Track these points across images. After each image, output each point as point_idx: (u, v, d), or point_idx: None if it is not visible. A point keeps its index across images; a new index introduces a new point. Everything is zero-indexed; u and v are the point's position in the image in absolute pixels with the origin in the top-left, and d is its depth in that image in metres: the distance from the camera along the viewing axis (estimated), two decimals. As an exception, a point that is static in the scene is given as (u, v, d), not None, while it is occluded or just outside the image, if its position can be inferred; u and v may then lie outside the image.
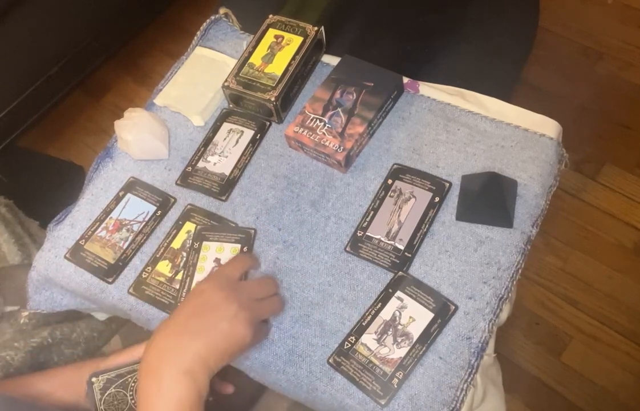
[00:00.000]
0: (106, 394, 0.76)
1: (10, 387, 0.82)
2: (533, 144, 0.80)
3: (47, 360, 0.93)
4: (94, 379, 0.76)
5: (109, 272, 0.83)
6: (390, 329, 0.71)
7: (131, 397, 0.77)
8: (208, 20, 1.04)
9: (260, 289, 0.73)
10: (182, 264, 0.81)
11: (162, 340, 0.65)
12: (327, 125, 0.84)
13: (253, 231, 0.77)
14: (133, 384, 0.78)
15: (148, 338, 0.90)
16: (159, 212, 0.87)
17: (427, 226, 0.77)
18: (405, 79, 0.89)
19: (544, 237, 1.42)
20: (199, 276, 0.78)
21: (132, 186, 0.90)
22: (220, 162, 0.89)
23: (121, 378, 0.77)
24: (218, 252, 0.79)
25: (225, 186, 0.87)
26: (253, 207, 0.84)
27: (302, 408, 0.77)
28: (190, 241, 0.82)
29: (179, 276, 0.80)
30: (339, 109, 0.85)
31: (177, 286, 0.80)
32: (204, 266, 0.78)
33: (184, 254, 0.82)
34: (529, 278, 1.38)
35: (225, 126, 0.93)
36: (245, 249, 0.78)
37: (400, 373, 0.68)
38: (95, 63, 1.85)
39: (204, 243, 0.80)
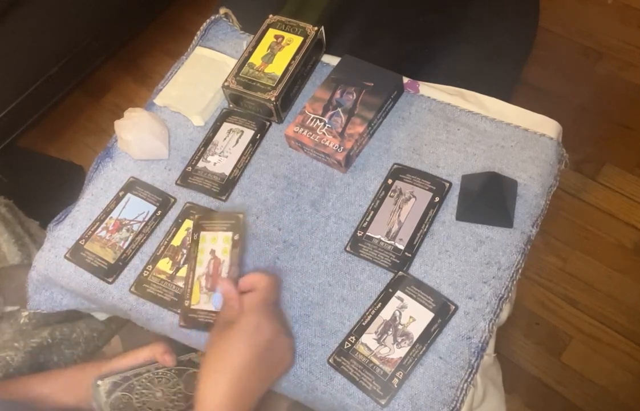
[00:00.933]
0: (112, 397, 0.75)
1: (10, 389, 0.81)
2: (533, 144, 0.80)
3: (47, 360, 0.93)
4: (99, 382, 0.75)
5: (109, 272, 0.83)
6: (391, 329, 0.71)
7: (137, 400, 0.77)
8: (208, 20, 1.04)
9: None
10: (182, 260, 0.81)
11: (223, 387, 0.64)
12: (327, 125, 0.84)
13: (241, 214, 0.73)
14: (139, 387, 0.78)
15: (148, 338, 0.91)
16: (159, 212, 0.87)
17: (427, 226, 0.77)
18: (405, 79, 0.89)
19: (544, 237, 1.42)
20: (199, 270, 0.77)
21: (132, 185, 0.90)
22: (220, 162, 0.89)
23: (127, 381, 0.77)
24: (212, 243, 0.77)
25: (226, 186, 0.87)
26: (253, 207, 0.84)
27: (303, 408, 0.76)
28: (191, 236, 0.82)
29: (181, 273, 0.80)
30: (339, 109, 0.85)
31: (180, 284, 0.80)
32: (202, 259, 0.77)
33: (185, 250, 0.82)
34: (529, 278, 1.38)
35: (225, 126, 0.93)
36: (236, 237, 0.75)
37: (400, 373, 0.68)
38: (95, 63, 1.85)
39: (201, 233, 0.78)
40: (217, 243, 0.76)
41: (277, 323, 0.68)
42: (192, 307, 0.75)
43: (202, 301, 0.75)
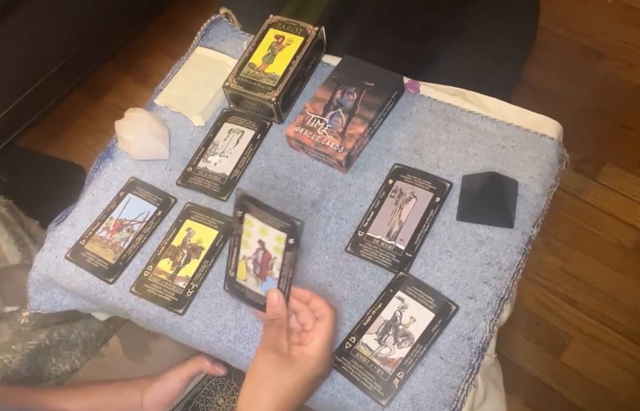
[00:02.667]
0: None
1: (21, 399, 0.81)
2: (534, 144, 0.80)
3: (45, 362, 0.93)
4: None
5: (110, 272, 0.83)
6: (391, 330, 0.71)
7: None
8: (208, 21, 1.04)
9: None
10: (183, 261, 0.81)
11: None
12: (327, 125, 0.84)
13: (300, 223, 0.67)
14: (201, 404, 0.86)
15: (148, 339, 0.91)
16: (160, 212, 0.87)
17: (427, 226, 0.77)
18: (406, 79, 0.89)
19: (544, 237, 1.42)
20: (245, 251, 0.72)
21: (133, 186, 0.90)
22: (220, 162, 0.89)
23: (189, 405, 0.84)
24: (262, 234, 0.70)
25: (226, 186, 0.87)
26: (254, 207, 0.84)
27: (303, 409, 0.76)
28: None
29: (181, 273, 0.80)
30: (340, 109, 0.85)
31: (181, 284, 0.80)
32: (249, 242, 0.71)
33: (185, 251, 0.82)
34: (529, 278, 1.38)
35: (226, 126, 0.93)
36: (291, 241, 0.69)
37: (401, 373, 0.68)
38: (95, 63, 1.85)
39: (247, 216, 0.71)
40: (267, 236, 0.70)
41: (328, 367, 0.68)
42: (238, 280, 0.73)
43: (250, 282, 0.71)
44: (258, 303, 0.71)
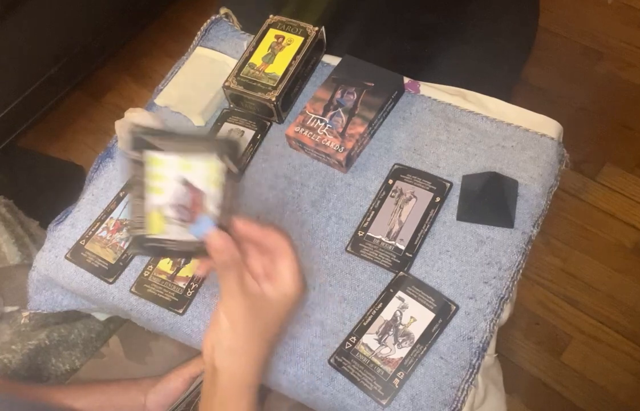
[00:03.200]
0: None
1: (24, 392, 0.81)
2: (534, 144, 0.80)
3: (45, 362, 0.93)
4: None
5: (110, 272, 0.83)
6: (391, 330, 0.71)
7: None
8: (208, 21, 1.04)
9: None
10: (183, 261, 0.81)
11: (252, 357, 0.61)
12: (327, 125, 0.84)
13: (240, 138, 0.59)
14: None
15: (148, 339, 0.91)
16: (160, 212, 0.87)
17: (428, 226, 0.77)
18: (406, 79, 0.89)
19: (544, 237, 1.42)
20: (156, 200, 0.59)
21: (133, 186, 0.90)
22: (220, 162, 0.89)
23: (191, 405, 0.81)
24: (184, 170, 0.58)
25: (226, 186, 0.87)
26: (254, 207, 0.84)
27: (304, 409, 0.76)
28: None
29: (182, 273, 0.80)
30: (340, 109, 0.85)
31: (181, 284, 0.80)
32: (162, 187, 0.59)
33: None
34: (529, 278, 1.38)
35: (226, 126, 0.93)
36: (231, 166, 0.58)
37: (401, 373, 0.68)
38: (95, 63, 1.85)
39: (151, 155, 0.58)
40: (192, 170, 0.58)
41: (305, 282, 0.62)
42: (150, 236, 0.59)
43: (173, 231, 0.59)
44: (187, 251, 0.60)
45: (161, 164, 0.57)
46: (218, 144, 0.56)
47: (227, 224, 0.57)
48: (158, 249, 0.60)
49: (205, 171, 0.56)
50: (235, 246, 0.58)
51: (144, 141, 0.57)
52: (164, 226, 0.59)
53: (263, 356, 0.60)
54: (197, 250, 0.58)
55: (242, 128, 0.92)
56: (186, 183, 0.57)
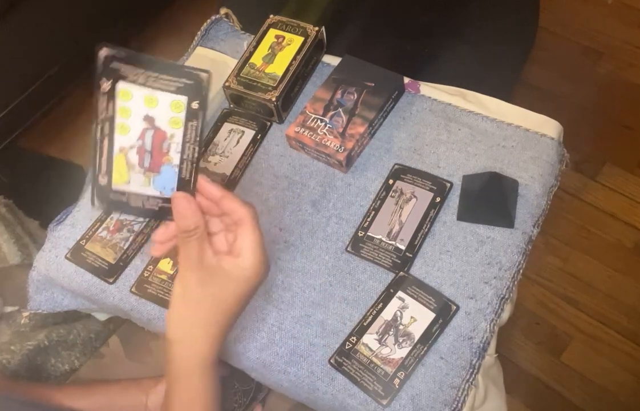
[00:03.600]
0: None
1: (23, 391, 0.81)
2: (534, 144, 0.80)
3: (44, 362, 0.93)
4: None
5: (110, 272, 0.83)
6: (392, 330, 0.71)
7: None
8: (208, 21, 1.04)
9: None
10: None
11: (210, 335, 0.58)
12: (328, 125, 0.84)
13: (207, 74, 0.51)
14: None
15: (148, 339, 0.91)
16: (160, 212, 0.87)
17: (428, 226, 0.77)
18: (406, 79, 0.89)
19: (544, 237, 1.42)
20: (122, 140, 0.53)
21: (133, 186, 0.90)
22: (221, 162, 0.89)
23: None
24: (149, 106, 0.52)
25: (227, 186, 0.87)
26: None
27: (304, 409, 0.77)
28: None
29: None
30: (340, 109, 0.85)
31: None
32: (128, 125, 0.52)
33: None
34: (529, 278, 1.38)
35: (226, 126, 0.93)
36: (195, 105, 0.52)
37: (401, 373, 0.68)
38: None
39: (121, 86, 0.51)
40: (157, 107, 0.52)
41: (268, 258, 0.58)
42: (114, 187, 0.54)
43: (136, 182, 0.54)
44: (151, 210, 0.54)
45: (129, 97, 0.51)
46: (186, 82, 0.50)
47: (190, 178, 0.53)
48: (121, 205, 0.54)
49: (170, 111, 0.51)
50: (201, 214, 0.54)
51: (114, 69, 0.50)
52: (127, 175, 0.53)
53: (217, 331, 0.57)
54: (160, 210, 0.54)
55: (242, 128, 0.92)
56: (150, 122, 0.51)
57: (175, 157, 0.52)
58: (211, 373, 0.58)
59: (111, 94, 0.51)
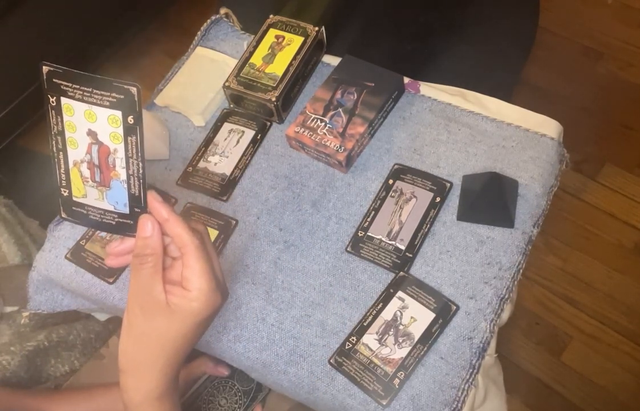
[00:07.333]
0: None
1: (16, 403, 0.81)
2: (534, 145, 0.80)
3: (44, 363, 0.93)
4: None
5: (110, 272, 0.83)
6: (392, 330, 0.71)
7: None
8: (209, 21, 1.04)
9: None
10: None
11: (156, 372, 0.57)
12: (328, 125, 0.84)
13: (136, 88, 0.51)
14: (203, 405, 0.83)
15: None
16: (160, 212, 0.87)
17: (428, 226, 0.77)
18: (406, 79, 0.89)
19: (544, 237, 1.42)
20: (74, 153, 0.54)
21: (133, 186, 0.90)
22: (221, 162, 0.89)
23: (192, 406, 0.82)
24: (89, 120, 0.52)
25: (226, 186, 0.87)
26: (254, 207, 0.84)
27: (304, 409, 0.77)
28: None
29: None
30: (340, 109, 0.85)
31: None
32: (76, 139, 0.53)
33: None
34: (529, 278, 1.38)
35: (226, 126, 0.93)
36: (130, 119, 0.51)
37: (401, 374, 0.68)
38: (95, 63, 1.85)
39: (64, 101, 0.52)
40: (97, 122, 0.52)
41: (222, 286, 0.57)
42: (75, 198, 0.56)
43: (91, 196, 0.55)
44: (109, 224, 0.54)
45: (72, 113, 0.51)
46: (117, 97, 0.49)
47: (139, 194, 0.52)
48: (83, 216, 0.55)
49: (109, 126, 0.50)
50: (160, 244, 0.53)
51: (57, 85, 0.50)
52: (83, 189, 0.54)
53: (163, 365, 0.55)
54: (118, 225, 0.53)
55: (242, 128, 0.92)
56: (94, 136, 0.51)
57: (122, 172, 0.52)
58: (163, 403, 0.57)
59: (58, 109, 0.52)
